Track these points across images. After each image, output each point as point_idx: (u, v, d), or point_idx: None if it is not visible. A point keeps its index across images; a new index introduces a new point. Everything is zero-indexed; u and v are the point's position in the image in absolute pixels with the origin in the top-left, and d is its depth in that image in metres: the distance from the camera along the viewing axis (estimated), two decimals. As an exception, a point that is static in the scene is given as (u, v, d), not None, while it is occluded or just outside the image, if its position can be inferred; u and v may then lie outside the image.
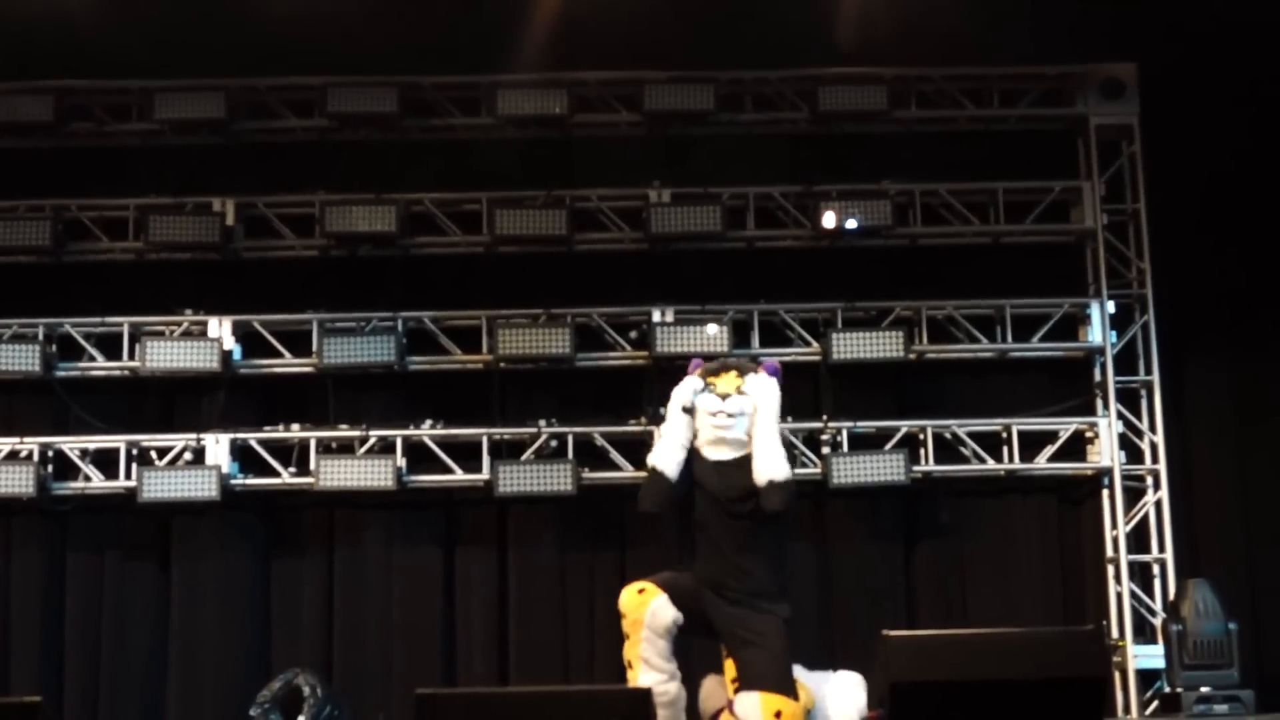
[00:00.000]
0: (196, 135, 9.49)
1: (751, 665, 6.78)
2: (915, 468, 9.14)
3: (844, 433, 9.24)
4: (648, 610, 6.92)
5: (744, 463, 7.04)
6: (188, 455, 9.16)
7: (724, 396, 7.10)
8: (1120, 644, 9.07)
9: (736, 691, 6.80)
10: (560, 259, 9.49)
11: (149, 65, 9.22)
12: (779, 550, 7.20)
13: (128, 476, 9.10)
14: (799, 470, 9.12)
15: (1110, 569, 9.28)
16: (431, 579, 9.26)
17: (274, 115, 9.56)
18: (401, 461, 9.14)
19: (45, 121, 9.34)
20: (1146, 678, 9.06)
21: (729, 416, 7.07)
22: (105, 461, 9.20)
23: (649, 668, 6.86)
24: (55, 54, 8.98)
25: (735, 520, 6.99)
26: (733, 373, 7.23)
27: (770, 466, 6.99)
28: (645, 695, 4.57)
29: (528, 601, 9.22)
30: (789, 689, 6.72)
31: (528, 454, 9.19)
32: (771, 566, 7.06)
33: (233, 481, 9.12)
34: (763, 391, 7.15)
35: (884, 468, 9.06)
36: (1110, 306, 9.47)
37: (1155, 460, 9.39)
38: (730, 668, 6.98)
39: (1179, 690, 8.62)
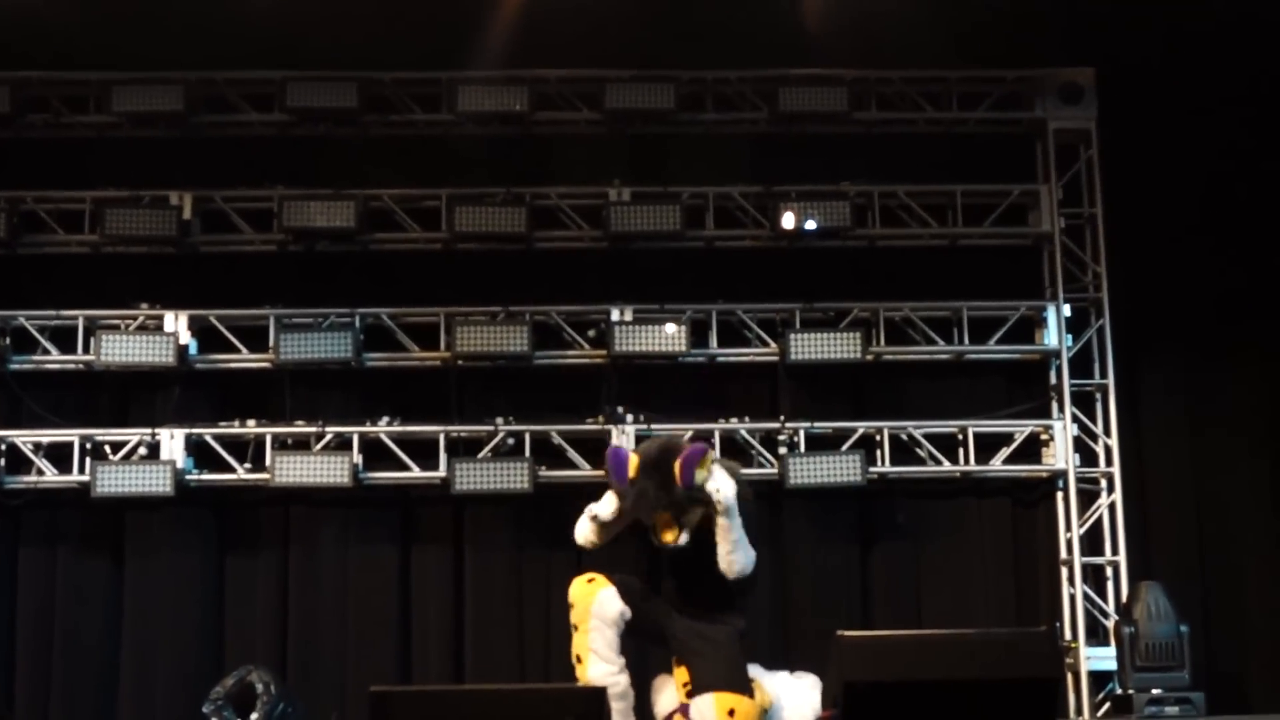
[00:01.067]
0: (154, 128, 9.43)
1: (704, 668, 6.79)
2: (871, 469, 9.17)
3: (801, 433, 9.27)
4: (595, 600, 6.94)
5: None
6: (142, 450, 9.11)
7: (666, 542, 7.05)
8: (1073, 645, 9.12)
9: (690, 695, 6.80)
10: (519, 256, 9.48)
11: (107, 57, 9.17)
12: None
13: (81, 471, 9.04)
14: (755, 470, 9.17)
15: (1064, 571, 9.33)
16: (387, 576, 9.24)
17: (233, 109, 9.51)
18: (358, 458, 9.11)
19: (1, 112, 9.27)
20: (1099, 679, 9.11)
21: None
22: (59, 456, 9.14)
23: (598, 659, 6.85)
24: (13, 45, 8.91)
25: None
26: (666, 516, 7.01)
27: (733, 565, 6.96)
28: (600, 693, 4.57)
29: (484, 599, 9.20)
30: (744, 688, 6.73)
31: (485, 452, 9.18)
32: (730, 586, 7.04)
33: (187, 477, 9.07)
34: (720, 494, 6.91)
35: (840, 469, 9.08)
36: (1066, 310, 9.52)
37: (1109, 463, 9.45)
38: (681, 673, 6.96)
39: (1131, 692, 8.68)
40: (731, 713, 6.66)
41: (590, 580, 7.03)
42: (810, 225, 9.37)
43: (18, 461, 9.13)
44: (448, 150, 9.55)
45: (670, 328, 9.17)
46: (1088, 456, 9.46)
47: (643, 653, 7.56)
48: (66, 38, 8.82)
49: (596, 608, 6.93)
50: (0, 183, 9.35)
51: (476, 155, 9.54)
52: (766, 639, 9.03)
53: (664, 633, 7.04)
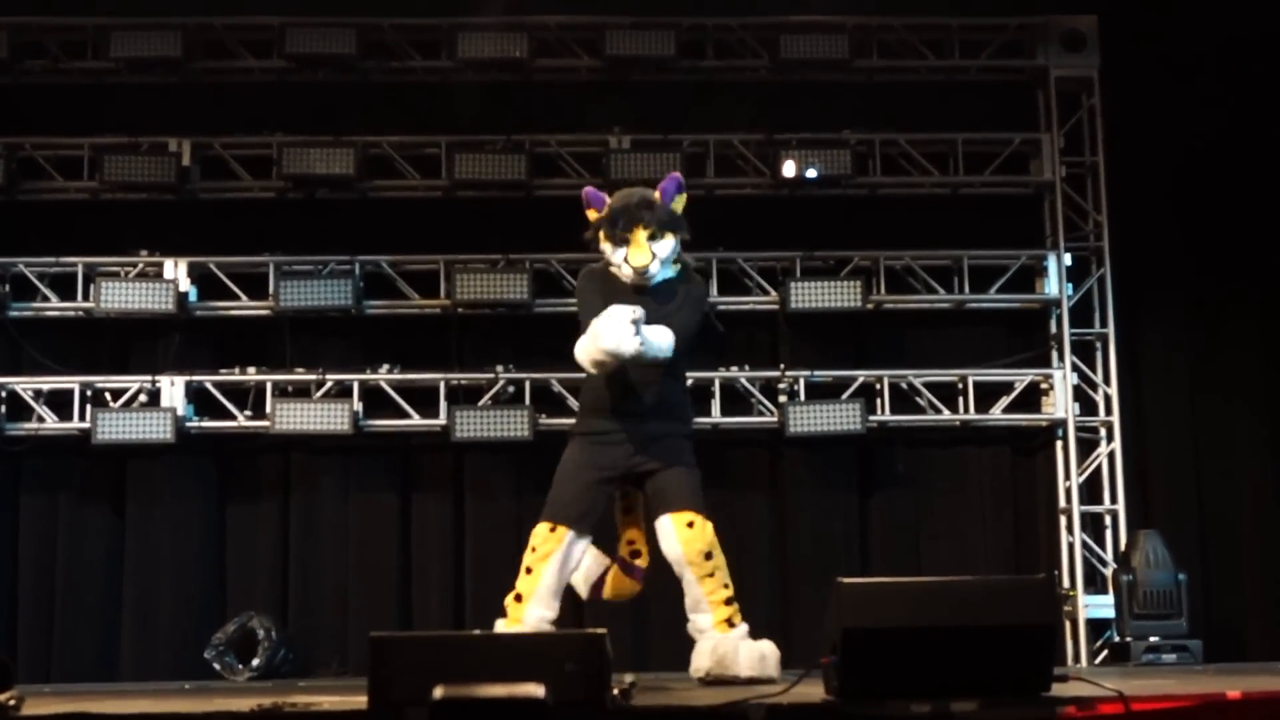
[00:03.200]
0: (152, 74, 9.40)
1: (663, 492, 6.34)
2: (871, 417, 9.19)
3: (801, 382, 9.27)
4: (560, 552, 6.34)
5: None
6: (143, 397, 9.12)
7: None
8: (1071, 593, 9.16)
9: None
10: (519, 204, 9.47)
11: (105, 2, 9.12)
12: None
13: (82, 418, 9.05)
14: (755, 419, 9.18)
15: (1063, 519, 9.36)
16: (387, 524, 9.26)
17: (231, 55, 9.47)
18: (358, 406, 9.12)
19: (-1, 59, 9.24)
20: (1096, 627, 9.15)
21: None
22: (59, 403, 9.15)
23: (540, 604, 6.32)
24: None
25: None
26: (641, 235, 6.39)
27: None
28: (600, 639, 4.58)
29: (484, 546, 9.23)
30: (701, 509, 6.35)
31: (485, 399, 9.19)
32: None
33: (188, 424, 9.08)
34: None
35: (840, 417, 9.09)
36: (1067, 259, 9.51)
37: (1109, 412, 9.46)
38: (630, 535, 6.56)
39: (1128, 639, 8.73)
40: (690, 525, 6.23)
41: (553, 530, 6.34)
42: (811, 173, 9.34)
43: (18, 408, 9.14)
44: (447, 97, 9.51)
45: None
46: (1087, 405, 9.47)
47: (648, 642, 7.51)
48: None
49: (559, 558, 6.34)
50: (-2, 129, 9.32)
51: (476, 102, 9.49)
52: (766, 587, 9.07)
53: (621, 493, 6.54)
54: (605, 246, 6.42)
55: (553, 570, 6.31)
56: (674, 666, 6.82)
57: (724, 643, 6.21)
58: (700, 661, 6.25)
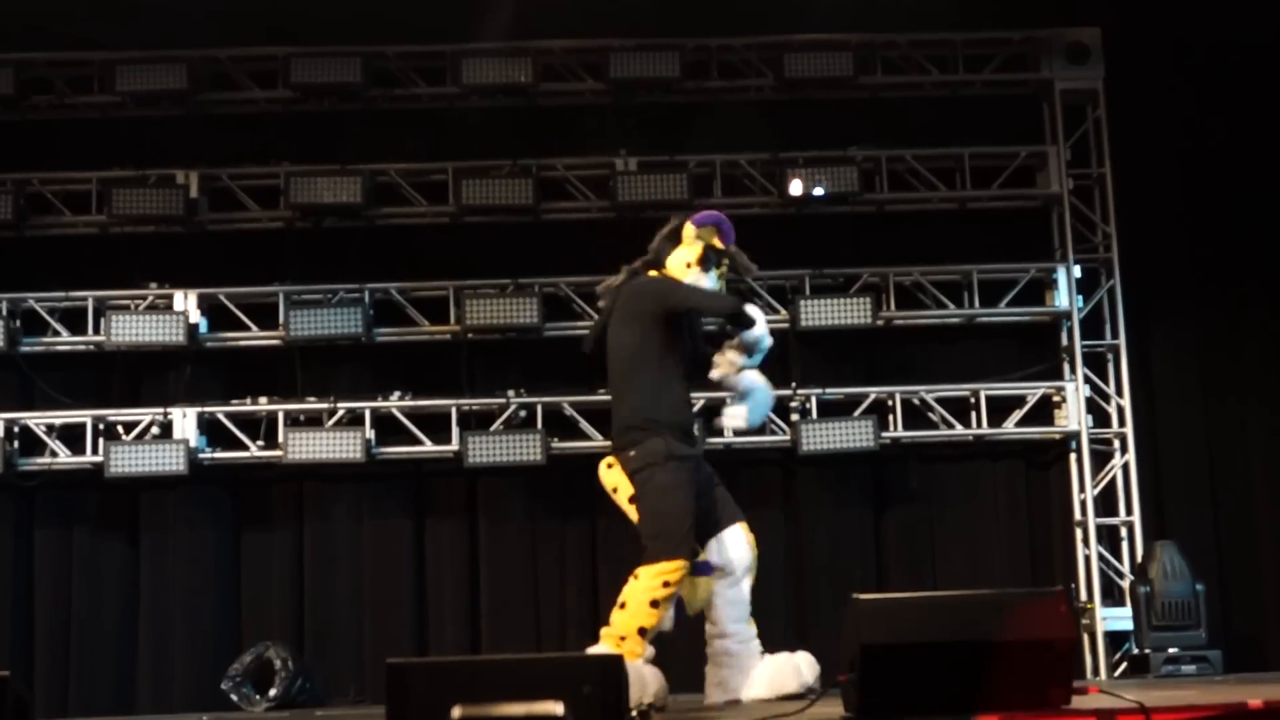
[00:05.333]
0: (159, 107, 9.43)
1: (727, 502, 6.47)
2: (884, 434, 9.17)
3: (813, 399, 9.26)
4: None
5: None
6: (155, 429, 9.12)
7: None
8: (1089, 606, 9.13)
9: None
10: (527, 228, 9.47)
11: (110, 37, 9.15)
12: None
13: (94, 451, 9.05)
14: (768, 438, 9.18)
15: (1078, 532, 9.33)
16: (401, 550, 9.26)
17: (237, 86, 9.50)
18: (370, 433, 9.12)
19: (6, 95, 9.24)
20: (1115, 639, 9.12)
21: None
22: (72, 437, 9.16)
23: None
24: (15, 27, 8.89)
25: None
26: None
27: None
28: (617, 661, 4.57)
29: (498, 571, 9.22)
30: None
31: (497, 424, 9.18)
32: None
33: (200, 455, 9.08)
34: None
35: (853, 434, 9.08)
36: (1076, 271, 9.50)
37: (1122, 424, 9.44)
38: None
39: (1147, 651, 8.70)
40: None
41: (682, 564, 6.26)
42: (818, 191, 9.34)
43: (31, 443, 9.15)
44: (453, 123, 9.54)
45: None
46: (1100, 417, 9.45)
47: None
48: (69, 19, 8.80)
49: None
50: (6, 165, 9.33)
51: (482, 128, 9.52)
52: (782, 605, 9.05)
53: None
54: (696, 269, 6.52)
55: (673, 605, 6.30)
56: (689, 688, 6.78)
57: (783, 663, 6.37)
58: (756, 691, 6.29)
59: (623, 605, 6.23)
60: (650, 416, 6.37)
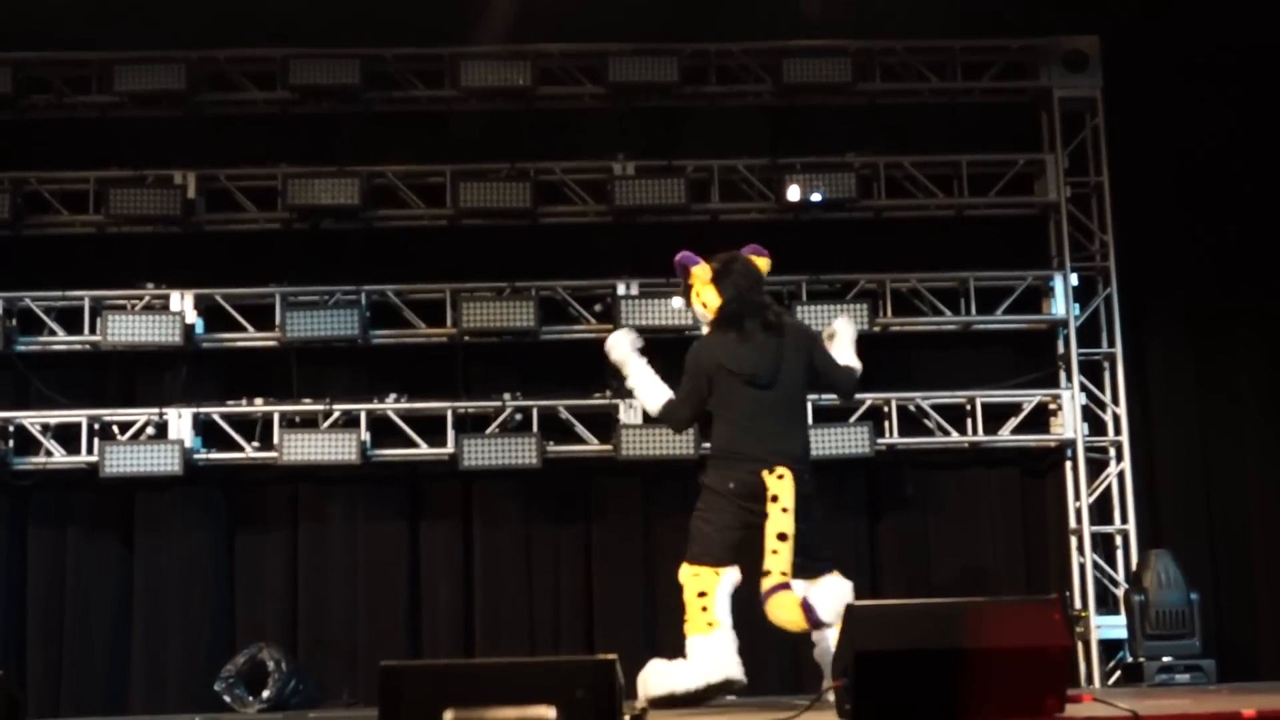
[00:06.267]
0: (157, 107, 9.42)
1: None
2: (879, 440, 9.17)
3: (808, 405, 9.22)
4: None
5: None
6: (150, 430, 9.11)
7: None
8: (1083, 614, 9.12)
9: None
10: (524, 231, 9.47)
11: (109, 37, 9.15)
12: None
13: (89, 451, 9.05)
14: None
15: (1073, 540, 9.33)
16: (396, 553, 9.25)
17: (235, 87, 9.50)
18: (365, 435, 9.11)
19: (4, 94, 9.23)
20: (1109, 648, 9.12)
21: None
22: (67, 436, 9.14)
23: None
24: (13, 26, 8.89)
25: None
26: None
27: None
28: (610, 665, 4.56)
29: (493, 575, 9.22)
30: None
31: (492, 427, 9.17)
32: None
33: (195, 456, 9.07)
34: None
35: (848, 440, 9.08)
36: (1073, 279, 9.50)
37: (1118, 432, 9.44)
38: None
39: (1141, 660, 8.70)
40: None
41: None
42: (816, 197, 9.34)
43: (26, 442, 9.14)
44: (451, 126, 9.54)
45: (676, 301, 9.14)
46: (1096, 425, 9.46)
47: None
48: (67, 18, 8.80)
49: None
50: (3, 164, 9.33)
51: (480, 131, 9.52)
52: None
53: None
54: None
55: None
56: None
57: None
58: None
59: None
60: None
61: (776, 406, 6.91)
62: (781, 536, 6.58)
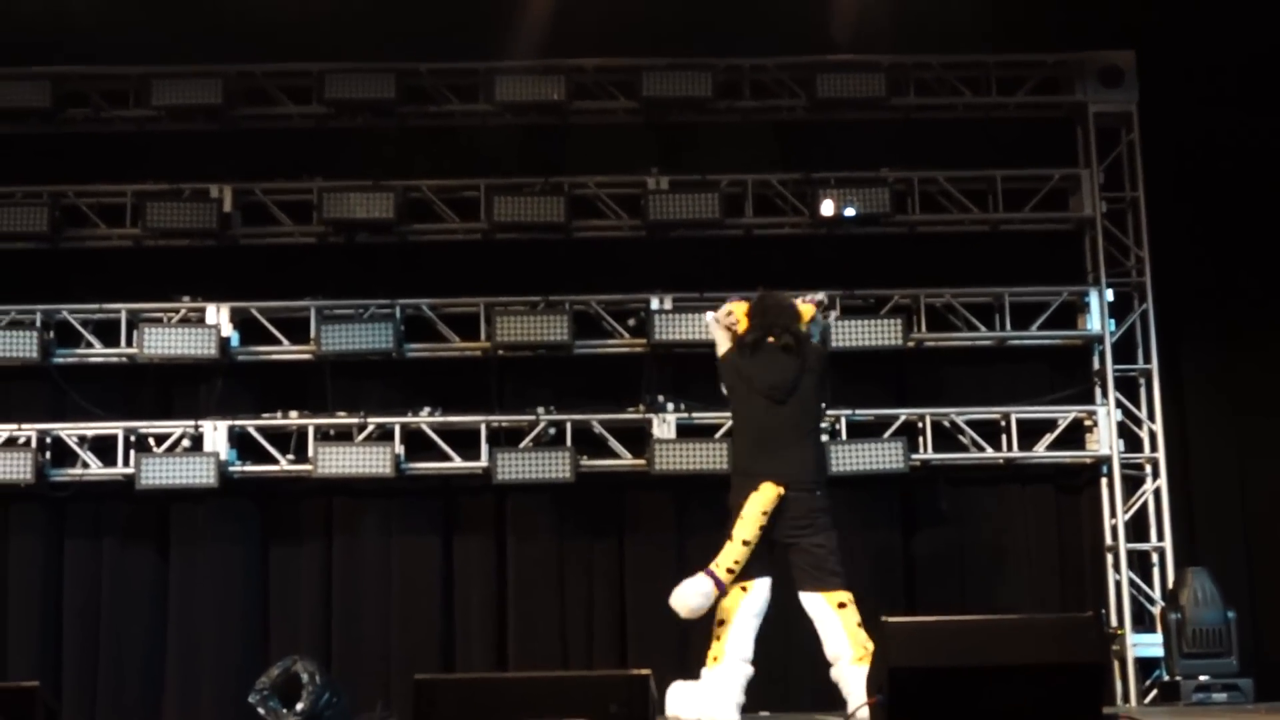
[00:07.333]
0: (194, 121, 9.49)
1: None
2: (914, 456, 9.15)
3: (843, 421, 9.24)
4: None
5: None
6: (186, 442, 9.16)
7: None
8: (1119, 632, 9.07)
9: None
10: (558, 246, 9.49)
11: (146, 51, 9.21)
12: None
13: (125, 463, 9.10)
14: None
15: (1109, 557, 9.28)
16: (430, 566, 9.26)
17: (271, 101, 9.55)
18: (400, 449, 9.13)
19: (43, 108, 9.33)
20: (1145, 666, 9.06)
21: None
22: (103, 448, 9.20)
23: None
24: (53, 40, 8.97)
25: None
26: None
27: None
28: (644, 680, 4.56)
29: (526, 588, 9.22)
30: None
31: (526, 441, 9.18)
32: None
33: (231, 468, 9.11)
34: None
35: (883, 456, 9.06)
36: (1109, 295, 9.46)
37: (1154, 449, 9.39)
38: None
39: (1178, 678, 8.63)
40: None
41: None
42: (849, 212, 9.34)
43: (62, 454, 9.19)
44: (485, 140, 9.57)
45: (710, 316, 9.14)
46: (1132, 442, 9.41)
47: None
48: (106, 33, 8.87)
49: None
50: (42, 177, 9.41)
51: (514, 145, 9.55)
52: (809, 627, 8.99)
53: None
54: None
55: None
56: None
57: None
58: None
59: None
60: (825, 469, 7.66)
61: (787, 423, 7.24)
62: (744, 542, 7.05)
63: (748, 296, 7.61)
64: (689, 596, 6.95)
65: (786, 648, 8.13)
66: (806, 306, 7.52)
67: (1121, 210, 9.61)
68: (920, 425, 9.31)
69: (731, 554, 7.03)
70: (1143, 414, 9.44)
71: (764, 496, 7.06)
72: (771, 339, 7.33)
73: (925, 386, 9.47)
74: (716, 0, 8.80)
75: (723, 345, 7.56)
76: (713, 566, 7.06)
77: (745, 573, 7.07)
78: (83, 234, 9.46)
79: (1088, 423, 9.43)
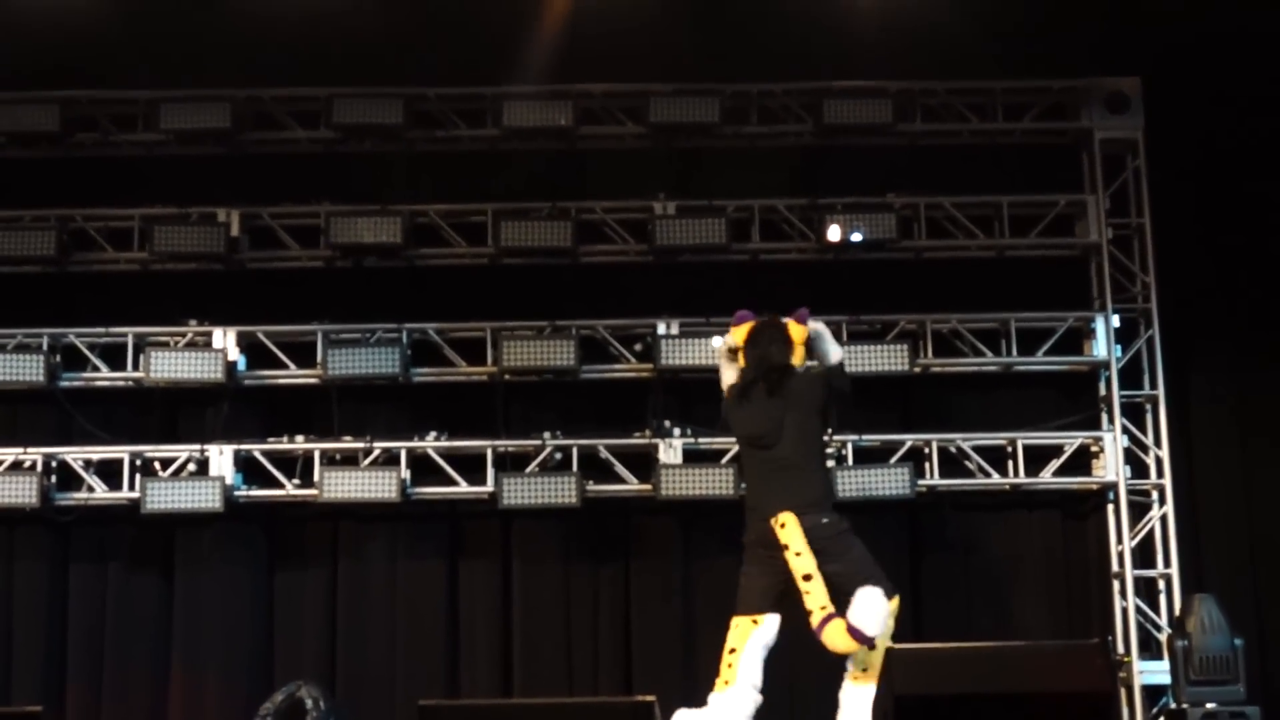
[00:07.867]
0: (201, 145, 9.50)
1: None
2: (920, 481, 9.13)
3: (849, 446, 9.23)
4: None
5: None
6: (191, 466, 9.15)
7: None
8: (1126, 659, 9.04)
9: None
10: (565, 271, 9.49)
11: (154, 76, 9.24)
12: None
13: (131, 487, 9.09)
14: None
15: (1115, 584, 9.26)
16: (435, 591, 9.25)
17: (279, 126, 9.56)
18: (405, 473, 9.12)
19: (51, 131, 9.34)
20: (1152, 693, 9.03)
21: None
22: (108, 472, 9.19)
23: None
24: (61, 64, 9.00)
25: None
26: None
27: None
28: (649, 707, 4.55)
29: (531, 614, 9.20)
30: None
31: (532, 466, 9.18)
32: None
33: (236, 493, 9.10)
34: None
35: (889, 481, 9.04)
36: (1115, 321, 9.45)
37: (1160, 475, 9.37)
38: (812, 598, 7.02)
39: (1185, 706, 8.59)
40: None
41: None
42: (856, 237, 9.34)
43: (68, 478, 9.19)
44: (493, 165, 9.59)
45: (716, 341, 9.10)
46: (1138, 468, 9.39)
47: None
48: (114, 57, 8.91)
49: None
50: (50, 201, 9.42)
51: (522, 170, 9.57)
52: (818, 652, 8.97)
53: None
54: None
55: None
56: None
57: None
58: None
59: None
60: (833, 494, 7.86)
61: (781, 463, 7.32)
62: (806, 577, 6.97)
63: (746, 316, 7.66)
64: (878, 613, 6.85)
65: (796, 672, 8.12)
66: (797, 329, 7.55)
67: (1128, 236, 9.61)
68: (926, 451, 9.30)
69: (819, 590, 7.00)
70: (1149, 440, 9.43)
71: (789, 532, 7.09)
72: (763, 384, 7.42)
73: (931, 412, 9.46)
74: (724, 27, 8.81)
75: (727, 377, 7.65)
76: (827, 608, 6.98)
77: (758, 607, 7.13)
78: (90, 258, 9.47)
79: (1094, 448, 9.42)
